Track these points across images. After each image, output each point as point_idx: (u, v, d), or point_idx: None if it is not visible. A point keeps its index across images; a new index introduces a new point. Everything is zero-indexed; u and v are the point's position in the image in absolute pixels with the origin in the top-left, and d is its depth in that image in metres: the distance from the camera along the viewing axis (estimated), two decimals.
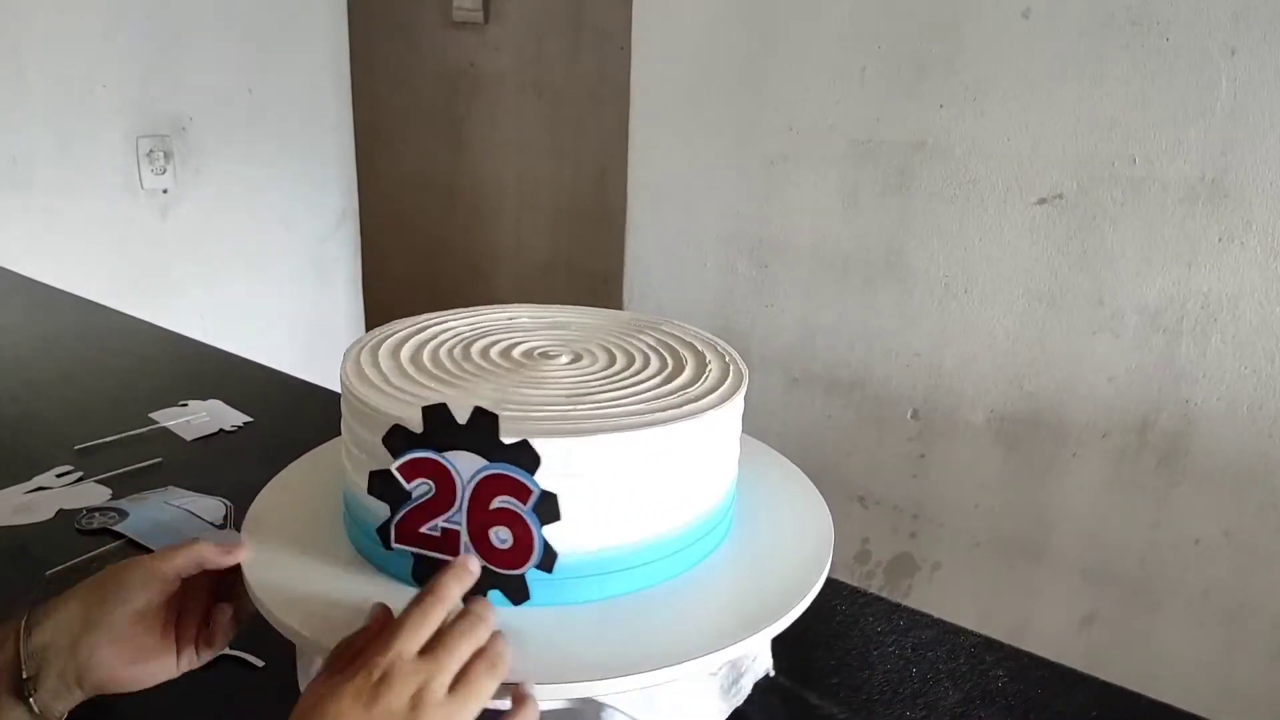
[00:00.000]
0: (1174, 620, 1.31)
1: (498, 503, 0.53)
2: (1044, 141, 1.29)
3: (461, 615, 0.51)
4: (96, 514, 0.94)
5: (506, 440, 0.52)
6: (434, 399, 0.60)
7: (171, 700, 0.73)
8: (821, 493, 0.73)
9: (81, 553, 0.86)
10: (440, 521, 0.55)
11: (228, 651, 0.76)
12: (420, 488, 0.55)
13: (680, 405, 0.61)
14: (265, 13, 2.28)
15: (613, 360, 0.69)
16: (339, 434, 0.67)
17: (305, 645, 0.55)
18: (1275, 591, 1.23)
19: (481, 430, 0.52)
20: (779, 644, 0.83)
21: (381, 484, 0.56)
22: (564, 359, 0.69)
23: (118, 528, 0.91)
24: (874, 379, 1.52)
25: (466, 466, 0.53)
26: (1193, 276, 1.22)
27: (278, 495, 0.70)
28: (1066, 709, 0.76)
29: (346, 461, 0.65)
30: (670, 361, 0.69)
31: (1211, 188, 1.19)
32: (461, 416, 0.53)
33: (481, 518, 0.54)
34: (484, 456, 0.53)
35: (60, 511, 0.95)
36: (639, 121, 1.70)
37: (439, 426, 0.53)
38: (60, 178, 2.03)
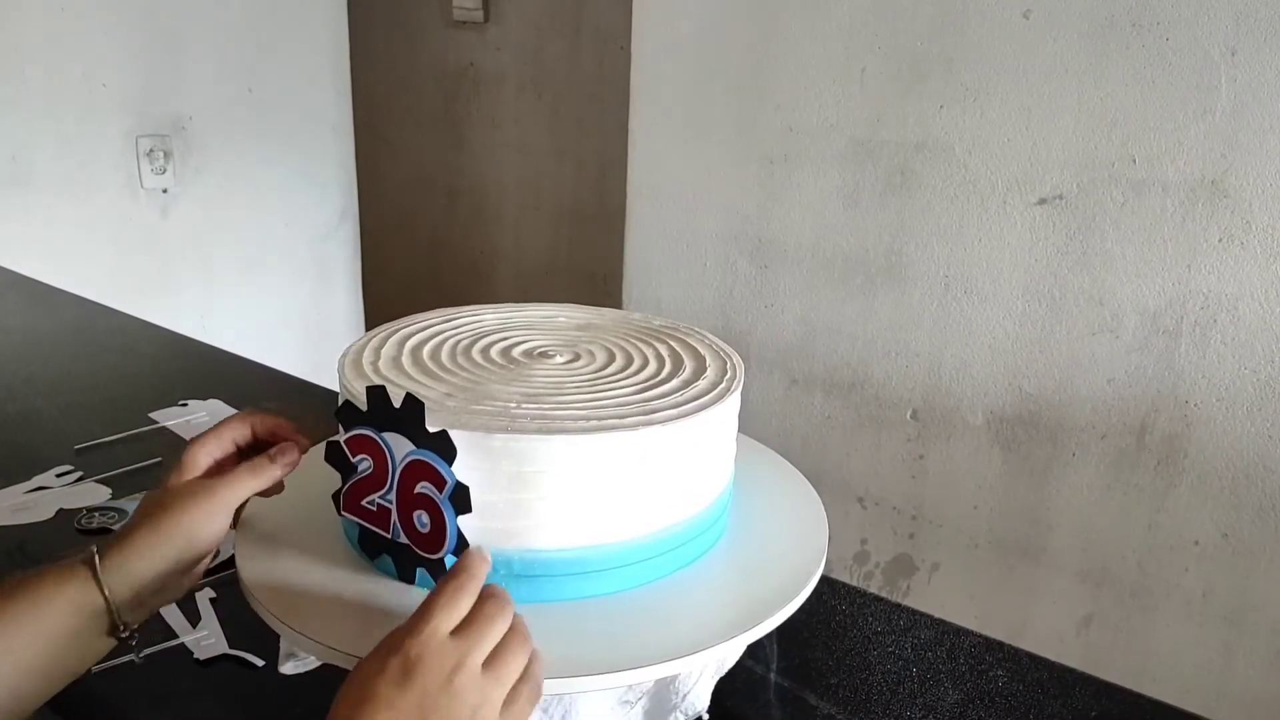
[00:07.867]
0: (1172, 621, 1.31)
1: (420, 487, 0.55)
2: (1044, 141, 1.29)
3: (489, 597, 0.51)
4: (96, 513, 0.94)
5: (431, 429, 0.54)
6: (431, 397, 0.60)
7: (173, 699, 0.73)
8: (821, 493, 0.73)
9: None
10: (376, 497, 0.57)
11: (228, 651, 0.76)
12: (362, 463, 0.57)
13: (675, 405, 0.61)
14: (265, 13, 2.28)
15: (611, 359, 0.69)
16: (338, 432, 0.66)
17: (303, 644, 0.55)
18: (1274, 593, 1.23)
19: (411, 416, 0.54)
20: (779, 644, 0.83)
21: (333, 454, 0.59)
22: (562, 358, 0.69)
23: (117, 527, 0.91)
24: (873, 380, 1.52)
25: (399, 449, 0.56)
26: (1193, 277, 1.22)
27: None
28: (1065, 709, 0.76)
29: None
30: (668, 361, 0.69)
31: (1212, 189, 1.19)
32: (396, 401, 0.55)
33: (407, 499, 0.56)
34: (412, 441, 0.55)
35: (60, 511, 0.95)
36: (639, 121, 1.70)
37: (378, 408, 0.56)
38: (60, 177, 2.03)
